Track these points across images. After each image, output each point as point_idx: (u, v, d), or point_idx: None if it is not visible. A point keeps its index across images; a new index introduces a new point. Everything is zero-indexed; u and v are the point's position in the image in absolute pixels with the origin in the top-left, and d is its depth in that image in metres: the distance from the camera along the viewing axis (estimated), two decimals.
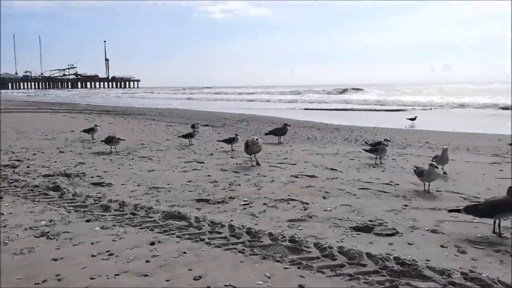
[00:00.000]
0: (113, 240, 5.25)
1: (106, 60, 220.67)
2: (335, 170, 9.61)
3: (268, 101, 53.47)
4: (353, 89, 66.61)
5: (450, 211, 5.65)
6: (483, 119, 25.62)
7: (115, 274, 4.31)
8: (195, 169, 9.68)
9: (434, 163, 7.24)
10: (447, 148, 8.98)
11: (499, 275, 4.12)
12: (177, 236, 5.38)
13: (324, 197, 7.21)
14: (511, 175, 8.79)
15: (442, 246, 4.92)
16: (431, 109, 35.58)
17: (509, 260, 4.52)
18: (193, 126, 16.18)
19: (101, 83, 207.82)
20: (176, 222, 5.89)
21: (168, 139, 15.28)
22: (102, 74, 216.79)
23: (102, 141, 12.48)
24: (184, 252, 4.84)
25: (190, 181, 8.46)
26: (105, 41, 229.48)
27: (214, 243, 5.10)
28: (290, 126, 15.37)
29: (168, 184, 8.17)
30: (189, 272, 4.36)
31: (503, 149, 12.77)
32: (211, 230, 5.57)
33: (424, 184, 7.56)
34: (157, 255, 4.78)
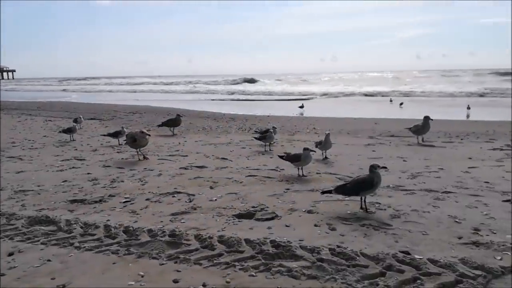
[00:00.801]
0: None
1: None
2: (226, 159, 9.64)
3: (163, 92, 51.92)
4: (249, 79, 68.21)
5: (323, 192, 6.02)
6: (364, 105, 28.26)
7: None
8: (73, 167, 8.84)
9: (308, 147, 7.64)
10: (329, 133, 9.53)
11: (362, 247, 4.48)
12: (42, 243, 4.81)
13: (211, 187, 7.15)
14: (381, 154, 9.82)
15: (315, 225, 5.20)
16: (320, 97, 38.20)
17: (373, 233, 4.96)
18: (75, 120, 14.84)
19: None
20: (43, 228, 5.28)
21: (45, 136, 13.79)
22: None
23: None
24: (48, 260, 4.36)
25: (66, 180, 7.70)
26: None
27: (84, 247, 4.67)
28: (182, 116, 15.03)
29: (38, 186, 7.32)
30: (51, 281, 3.92)
31: (377, 132, 14.23)
32: (83, 232, 5.10)
33: (299, 168, 7.91)
34: (15, 267, 4.24)
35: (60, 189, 7.11)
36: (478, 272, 3.83)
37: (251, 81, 66.33)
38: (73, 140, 12.64)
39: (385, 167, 5.82)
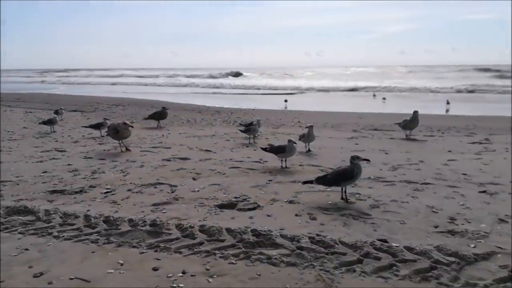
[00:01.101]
0: None
1: None
2: (210, 151, 9.62)
3: (147, 84, 51.28)
4: (235, 73, 67.95)
5: (304, 183, 6.07)
6: (348, 100, 28.47)
7: None
8: (53, 159, 8.70)
9: (292, 139, 7.69)
10: (312, 126, 9.58)
11: (341, 236, 4.55)
12: (19, 233, 4.75)
13: (194, 179, 7.13)
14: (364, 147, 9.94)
15: (296, 215, 5.25)
16: (305, 91, 38.31)
17: (352, 222, 5.03)
18: (56, 112, 14.58)
19: None
20: (21, 218, 5.20)
21: (25, 127, 13.52)
22: None
23: None
24: (26, 249, 4.31)
25: (46, 171, 7.57)
26: None
27: (63, 236, 4.62)
28: (167, 109, 14.89)
29: (17, 177, 7.18)
30: (29, 269, 3.89)
31: (361, 125, 14.37)
32: (62, 222, 5.04)
33: (282, 160, 7.95)
34: None
35: (40, 180, 7.00)
36: (452, 259, 3.93)
37: (236, 74, 66.09)
38: (54, 131, 12.43)
39: (367, 160, 5.89)
